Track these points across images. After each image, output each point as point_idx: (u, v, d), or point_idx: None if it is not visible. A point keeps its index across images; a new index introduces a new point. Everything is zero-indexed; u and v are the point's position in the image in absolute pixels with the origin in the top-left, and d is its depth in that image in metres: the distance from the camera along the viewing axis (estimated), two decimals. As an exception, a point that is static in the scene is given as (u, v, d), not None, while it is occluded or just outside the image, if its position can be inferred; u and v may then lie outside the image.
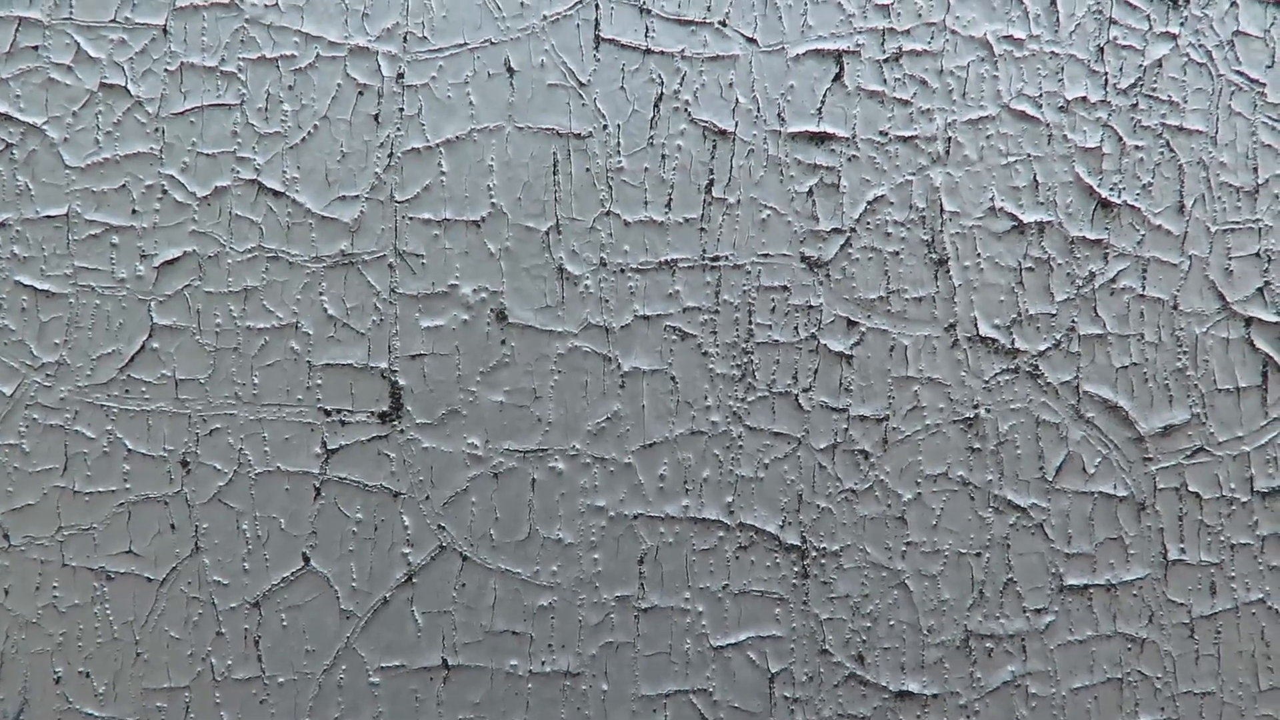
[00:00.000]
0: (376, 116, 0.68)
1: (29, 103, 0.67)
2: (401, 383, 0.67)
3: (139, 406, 0.66)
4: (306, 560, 0.67)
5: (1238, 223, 0.69)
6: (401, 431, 0.67)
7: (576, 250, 0.68)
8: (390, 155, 0.67)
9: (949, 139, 0.69)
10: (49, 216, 0.67)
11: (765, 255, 0.68)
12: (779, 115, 0.68)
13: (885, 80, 0.69)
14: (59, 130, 0.67)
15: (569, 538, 0.67)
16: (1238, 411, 0.69)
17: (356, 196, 0.67)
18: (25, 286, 0.66)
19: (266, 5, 0.67)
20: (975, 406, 0.68)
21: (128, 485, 0.66)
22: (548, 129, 0.68)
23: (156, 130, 0.67)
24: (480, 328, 0.67)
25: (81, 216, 0.67)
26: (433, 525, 0.67)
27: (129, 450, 0.66)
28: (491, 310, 0.67)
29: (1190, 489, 0.69)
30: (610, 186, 0.68)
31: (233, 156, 0.67)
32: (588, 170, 0.68)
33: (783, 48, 0.69)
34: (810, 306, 0.68)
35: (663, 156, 0.68)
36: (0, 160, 0.66)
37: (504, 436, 0.67)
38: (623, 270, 0.68)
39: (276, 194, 0.67)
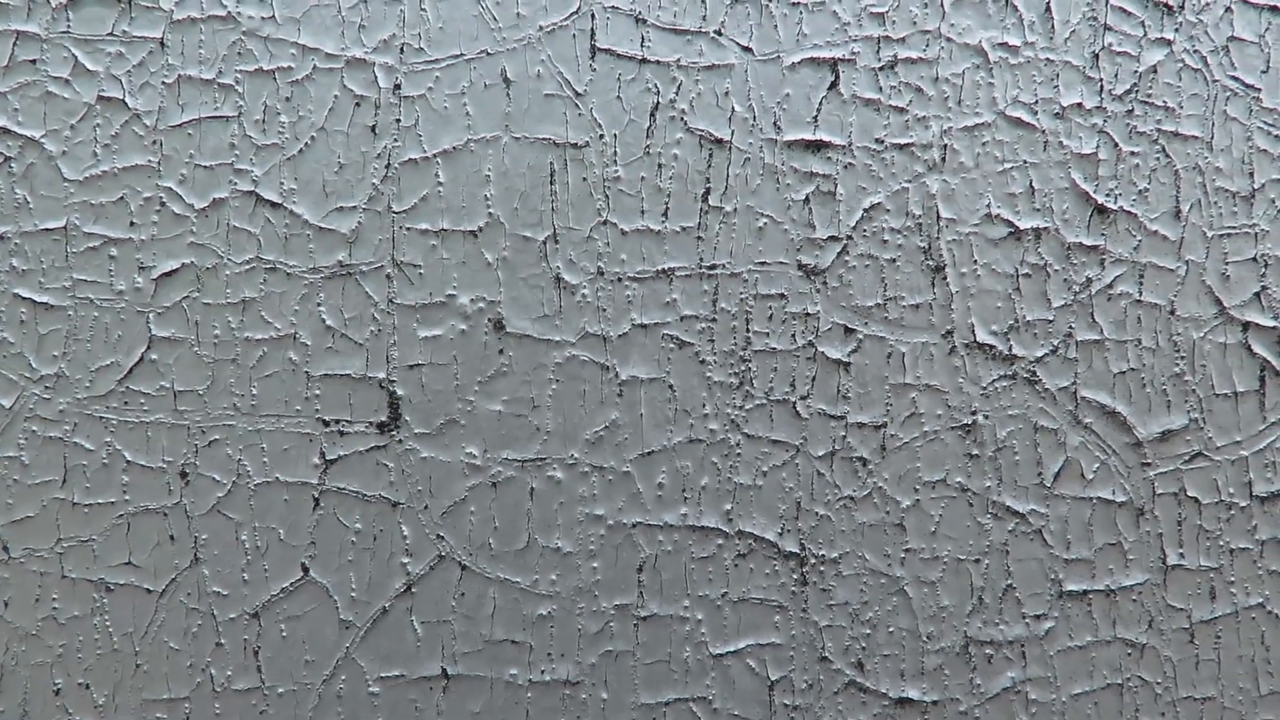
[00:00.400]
0: (374, 128, 0.68)
1: (27, 116, 0.68)
2: (400, 393, 0.68)
3: (138, 418, 0.67)
4: (306, 570, 0.67)
5: (1234, 227, 0.70)
6: (400, 441, 0.68)
7: (574, 259, 0.68)
8: (387, 166, 0.68)
9: (945, 146, 0.70)
10: (47, 229, 0.67)
11: (762, 263, 0.69)
12: (775, 123, 0.69)
13: (881, 88, 0.70)
14: (57, 143, 0.68)
15: (568, 546, 0.68)
16: (1236, 416, 0.70)
17: (354, 207, 0.68)
18: (24, 299, 0.67)
19: (263, 18, 0.68)
20: (973, 413, 0.69)
21: (127, 497, 0.67)
22: (544, 139, 0.69)
23: (154, 143, 0.68)
24: (478, 337, 0.68)
25: (80, 229, 0.67)
26: (431, 535, 0.67)
27: (128, 462, 0.67)
28: (489, 320, 0.68)
29: (1189, 494, 0.69)
30: (607, 196, 0.69)
31: (230, 168, 0.68)
32: (584, 180, 0.69)
33: (778, 56, 0.70)
34: (807, 314, 0.69)
35: (659, 165, 0.69)
36: (-1, 173, 0.67)
37: (502, 446, 0.68)
38: (620, 279, 0.68)
39: (274, 205, 0.68)
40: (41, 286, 0.67)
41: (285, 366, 0.67)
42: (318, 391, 0.67)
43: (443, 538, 0.67)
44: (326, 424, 0.67)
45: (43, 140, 0.68)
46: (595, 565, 0.68)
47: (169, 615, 0.67)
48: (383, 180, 0.68)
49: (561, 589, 0.68)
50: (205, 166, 0.68)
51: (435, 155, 0.68)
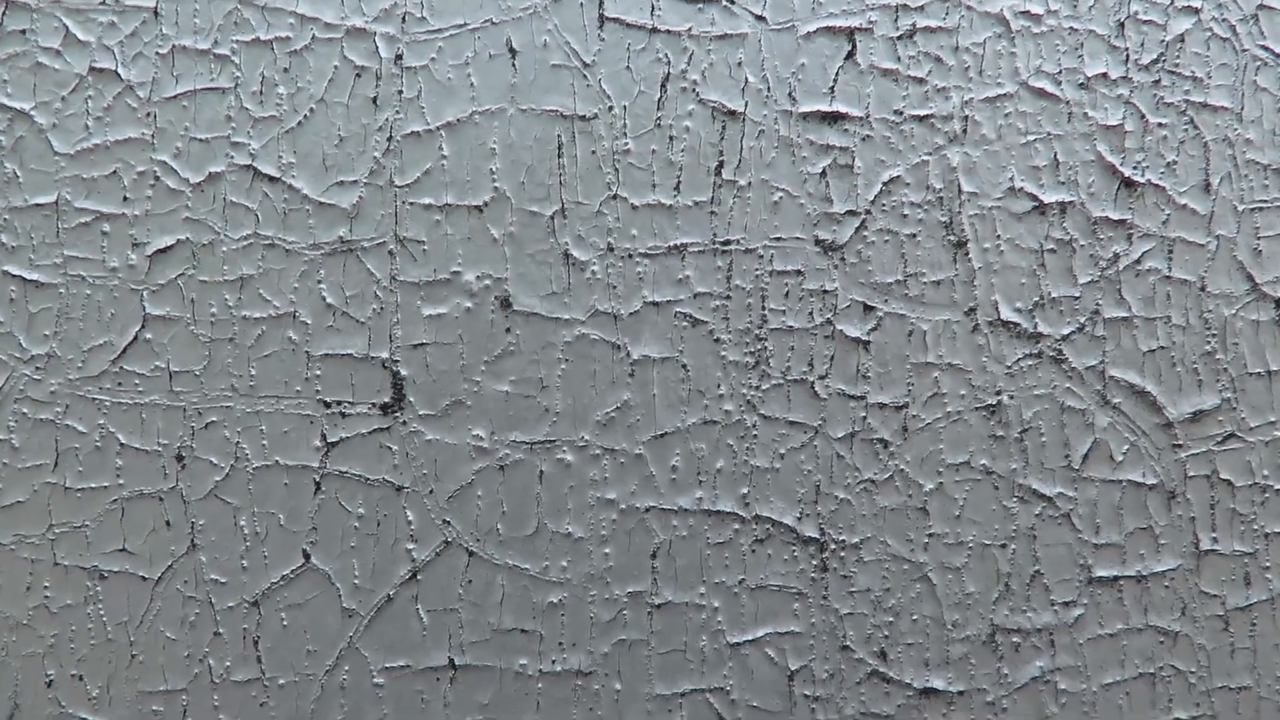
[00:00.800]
0: (375, 99, 0.68)
1: (16, 88, 0.68)
2: (403, 373, 0.68)
3: (132, 399, 0.67)
4: (307, 557, 0.67)
5: (1266, 201, 0.70)
6: (404, 423, 0.67)
7: (583, 235, 0.68)
8: (389, 139, 0.68)
9: (966, 118, 0.70)
10: (38, 204, 0.67)
11: (778, 239, 0.69)
12: (790, 95, 0.69)
13: (899, 58, 0.70)
14: (48, 116, 0.68)
15: (579, 532, 0.68)
16: (1269, 395, 0.70)
17: (355, 181, 0.68)
18: (14, 276, 0.67)
19: (260, -15, 0.69)
20: (997, 393, 0.69)
21: (121, 481, 0.67)
22: (551, 110, 0.69)
23: (148, 115, 0.68)
24: (484, 316, 0.68)
25: (71, 204, 0.67)
26: (437, 520, 0.67)
27: (122, 445, 0.67)
28: (496, 297, 0.68)
29: (1222, 476, 0.69)
30: (617, 169, 0.69)
31: (227, 141, 0.68)
32: (593, 153, 0.69)
33: (793, 25, 0.70)
34: (825, 291, 0.69)
35: (670, 138, 0.69)
36: (-14, 147, 0.67)
37: (510, 428, 0.68)
38: (631, 255, 0.68)
39: (272, 179, 0.68)
40: (31, 264, 0.67)
41: (285, 346, 0.67)
42: (318, 372, 0.67)
43: (449, 523, 0.67)
44: (328, 405, 0.67)
45: (32, 113, 0.68)
46: (607, 551, 0.68)
47: (165, 604, 0.67)
48: (384, 154, 0.68)
49: (572, 576, 0.68)
50: (200, 139, 0.68)
51: (439, 128, 0.68)
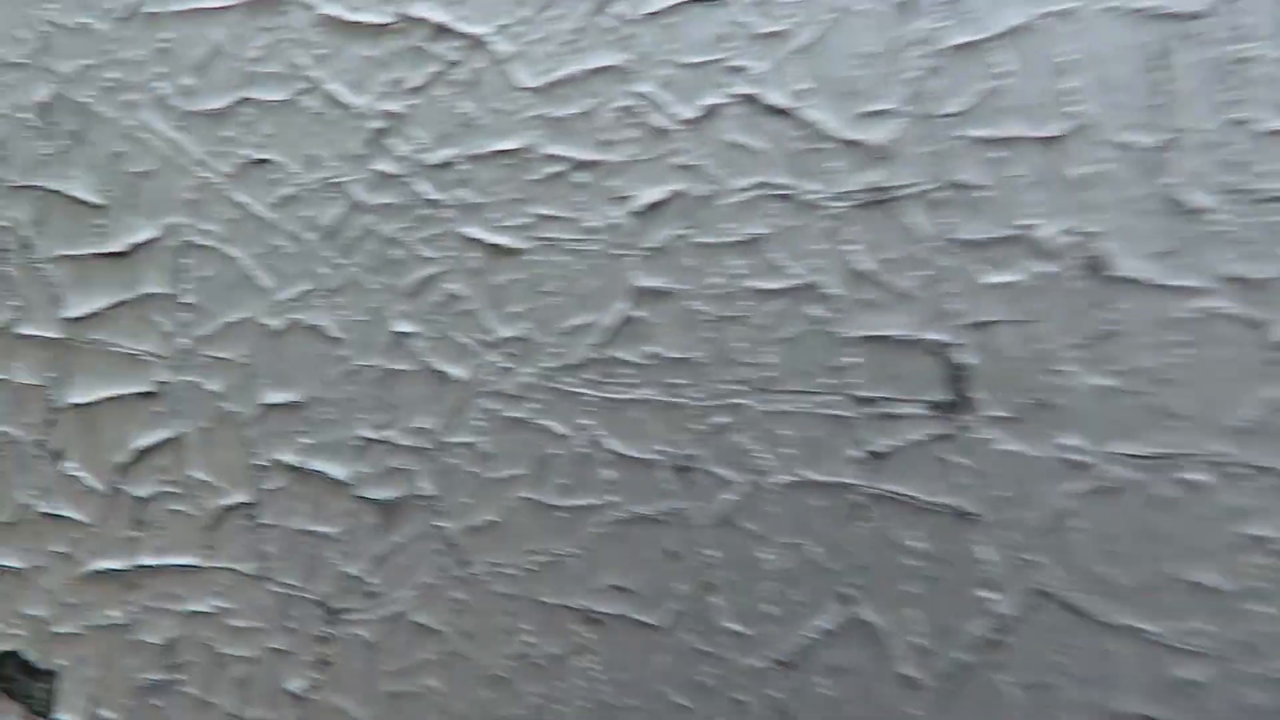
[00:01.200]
0: (908, 4, 0.57)
1: (470, 10, 0.62)
2: (964, 361, 0.56)
3: (622, 394, 0.58)
4: (850, 605, 0.56)
5: None
6: (968, 429, 0.56)
7: (1197, 173, 0.55)
8: (930, 55, 0.57)
9: None
10: (500, 151, 0.61)
11: None
12: None
13: None
14: (508, 42, 0.61)
15: (1220, 582, 0.53)
16: None
17: (889, 111, 0.58)
18: (474, 241, 0.61)
19: None
20: None
21: (613, 499, 0.58)
22: (1144, 9, 0.56)
23: (627, 37, 0.60)
24: (1070, 284, 0.56)
25: (538, 151, 0.61)
26: (1022, 560, 0.55)
27: (613, 453, 0.58)
28: (1084, 259, 0.55)
29: None
30: (1239, 85, 0.55)
31: (722, 66, 0.59)
32: (1206, 62, 0.55)
33: None
34: None
35: (1310, 40, 0.55)
36: (438, 84, 0.61)
37: (1115, 436, 0.55)
38: (1263, 200, 0.54)
39: (782, 112, 0.58)
40: (495, 225, 0.61)
41: (805, 326, 0.58)
42: (852, 359, 0.56)
43: (1037, 564, 0.55)
44: (865, 403, 0.56)
45: (490, 39, 0.61)
46: (1264, 610, 0.53)
47: (670, 659, 0.57)
48: (925, 74, 0.57)
49: (1214, 643, 0.53)
50: (691, 64, 0.59)
51: (994, 38, 0.57)
